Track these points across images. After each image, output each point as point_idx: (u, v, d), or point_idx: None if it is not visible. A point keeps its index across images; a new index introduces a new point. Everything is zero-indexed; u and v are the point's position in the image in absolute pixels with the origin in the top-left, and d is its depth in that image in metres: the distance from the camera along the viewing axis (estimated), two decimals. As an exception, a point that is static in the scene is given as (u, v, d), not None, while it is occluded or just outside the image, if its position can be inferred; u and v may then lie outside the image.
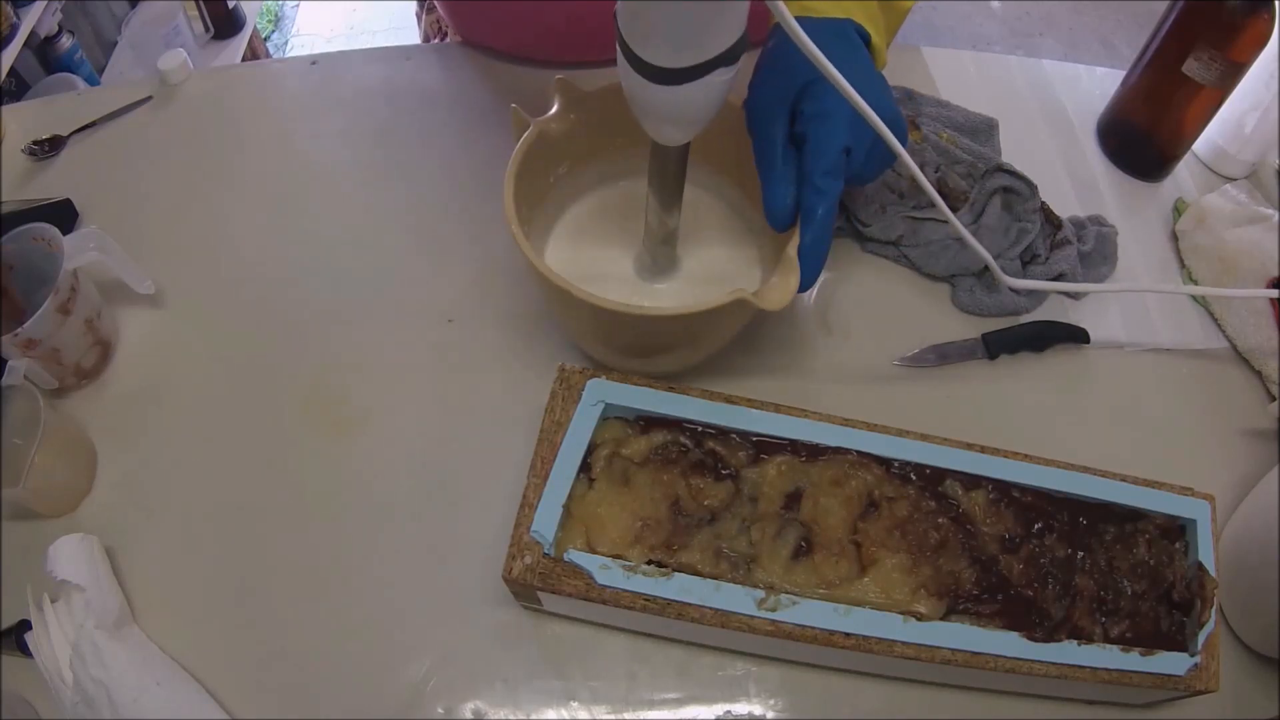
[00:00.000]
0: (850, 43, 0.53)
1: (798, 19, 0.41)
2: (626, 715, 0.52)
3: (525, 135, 0.57)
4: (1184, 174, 0.77)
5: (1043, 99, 0.81)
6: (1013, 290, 0.66)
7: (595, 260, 0.62)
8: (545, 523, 0.49)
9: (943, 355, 0.65)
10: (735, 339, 0.59)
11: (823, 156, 0.49)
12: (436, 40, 0.89)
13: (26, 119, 0.77)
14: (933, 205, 0.53)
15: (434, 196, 0.71)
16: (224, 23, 1.90)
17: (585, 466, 0.51)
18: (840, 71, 0.43)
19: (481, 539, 0.55)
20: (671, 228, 0.57)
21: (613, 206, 0.64)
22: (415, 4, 0.93)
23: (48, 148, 0.74)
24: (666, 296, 0.61)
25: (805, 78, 0.50)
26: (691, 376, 0.60)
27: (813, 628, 0.47)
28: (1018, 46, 2.24)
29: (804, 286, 0.51)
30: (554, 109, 0.58)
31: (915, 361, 0.64)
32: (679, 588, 0.47)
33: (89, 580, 0.51)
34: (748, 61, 0.46)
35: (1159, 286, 0.70)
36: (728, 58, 0.43)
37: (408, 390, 0.62)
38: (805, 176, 0.50)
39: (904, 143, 0.49)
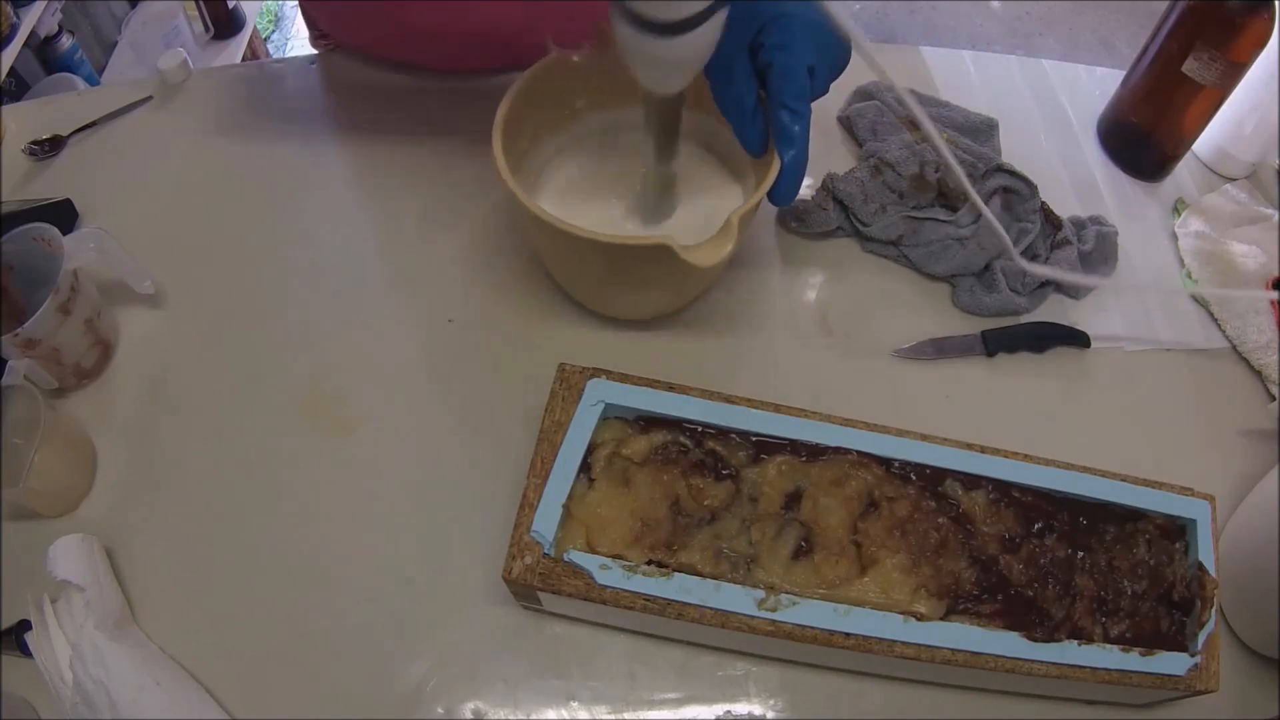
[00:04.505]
0: None
1: None
2: (626, 715, 0.52)
3: (543, 59, 0.59)
4: (1184, 174, 0.77)
5: (1043, 99, 0.81)
6: (1012, 291, 0.66)
7: (596, 194, 0.64)
8: (545, 523, 0.49)
9: (940, 348, 0.65)
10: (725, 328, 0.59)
11: (792, 80, 0.52)
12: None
13: (26, 119, 0.77)
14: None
15: (434, 196, 0.71)
16: (224, 23, 1.90)
17: (585, 466, 0.51)
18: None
19: (481, 539, 0.55)
20: (671, 174, 0.58)
21: (626, 150, 0.65)
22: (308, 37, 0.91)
23: (48, 148, 0.74)
24: None
25: (770, 13, 0.53)
26: (688, 374, 0.60)
27: (813, 628, 0.47)
28: (1018, 46, 2.23)
29: (782, 201, 0.54)
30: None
31: (913, 353, 0.64)
32: (679, 588, 0.47)
33: (89, 580, 0.51)
34: None
35: (1160, 287, 0.70)
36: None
37: (408, 390, 0.62)
38: (775, 100, 0.53)
39: (849, 57, 0.56)
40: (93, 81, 1.76)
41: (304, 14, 0.86)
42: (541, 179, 0.64)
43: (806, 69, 0.53)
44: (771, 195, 0.54)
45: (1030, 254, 0.67)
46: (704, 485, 0.51)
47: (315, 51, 0.83)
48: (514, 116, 0.58)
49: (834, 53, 0.55)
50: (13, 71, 1.55)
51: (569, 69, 0.61)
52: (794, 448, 0.52)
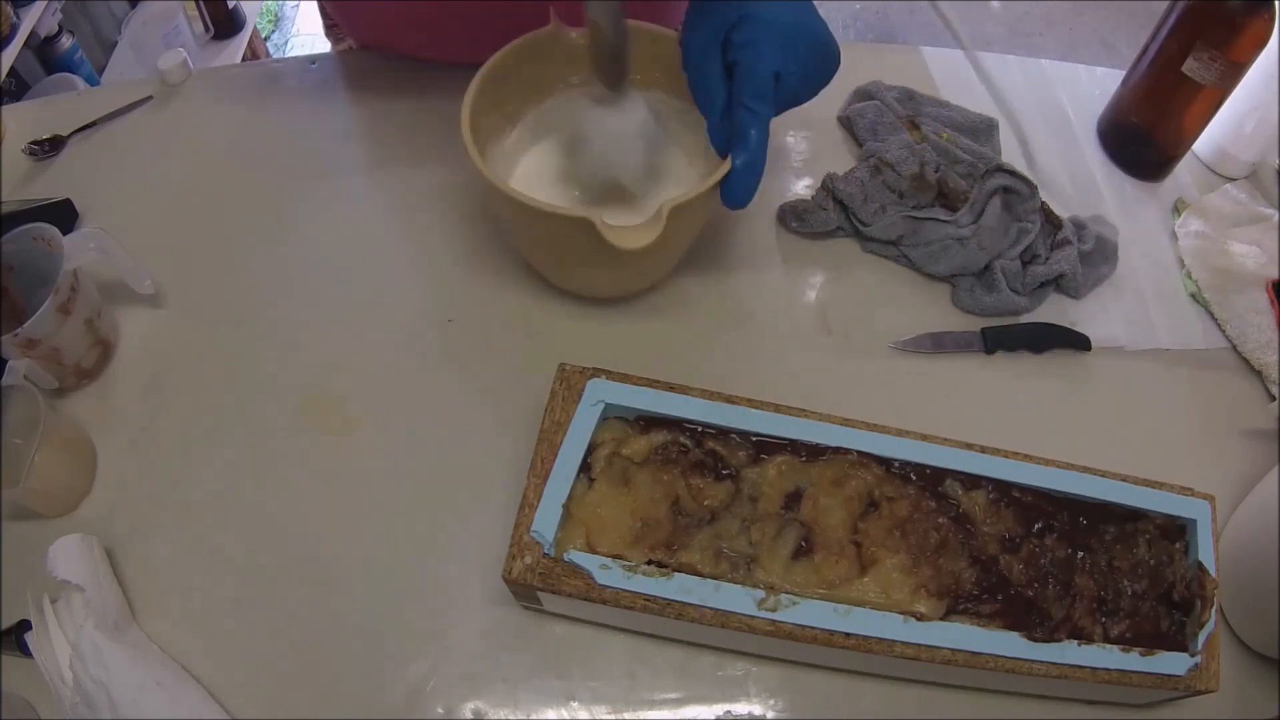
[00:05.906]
0: None
1: None
2: (626, 715, 0.52)
3: (538, 30, 0.59)
4: (1184, 174, 0.77)
5: (1043, 99, 0.81)
6: (1012, 291, 0.66)
7: (579, 171, 0.64)
8: (545, 523, 0.49)
9: (939, 343, 0.65)
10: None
11: (751, 80, 0.52)
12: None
13: (26, 119, 0.77)
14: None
15: (435, 196, 0.71)
16: (224, 23, 1.90)
17: (585, 466, 0.51)
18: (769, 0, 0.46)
19: (481, 539, 0.55)
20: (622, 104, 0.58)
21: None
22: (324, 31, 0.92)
23: (48, 148, 0.74)
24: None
25: (737, 12, 0.53)
26: (688, 374, 0.60)
27: (813, 628, 0.47)
28: (1018, 46, 2.23)
29: (734, 202, 0.54)
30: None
31: (911, 346, 0.64)
32: (679, 588, 0.47)
33: (89, 580, 0.51)
34: None
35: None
36: None
37: (408, 390, 0.62)
38: (736, 99, 0.53)
39: (836, 66, 0.55)
40: (93, 81, 1.76)
41: (319, 5, 0.86)
42: (520, 153, 0.65)
43: (772, 72, 0.52)
44: (723, 196, 0.54)
45: (1030, 254, 0.67)
46: (704, 485, 0.51)
47: (318, 51, 0.83)
48: (494, 84, 0.58)
49: (809, 60, 0.54)
50: (13, 71, 1.55)
51: (562, 44, 0.61)
52: (794, 448, 0.52)
